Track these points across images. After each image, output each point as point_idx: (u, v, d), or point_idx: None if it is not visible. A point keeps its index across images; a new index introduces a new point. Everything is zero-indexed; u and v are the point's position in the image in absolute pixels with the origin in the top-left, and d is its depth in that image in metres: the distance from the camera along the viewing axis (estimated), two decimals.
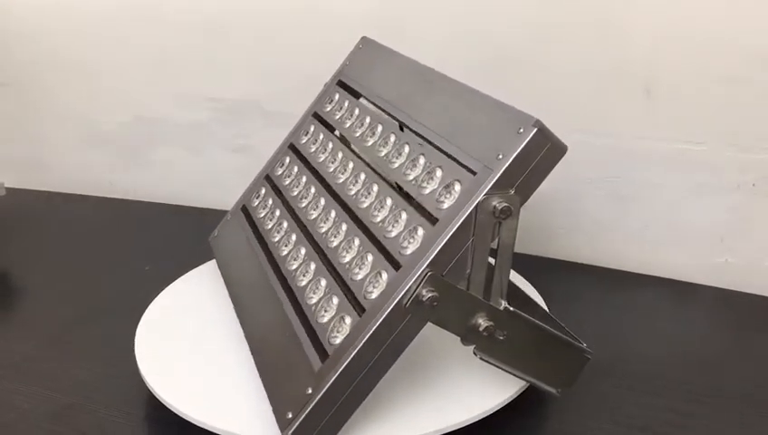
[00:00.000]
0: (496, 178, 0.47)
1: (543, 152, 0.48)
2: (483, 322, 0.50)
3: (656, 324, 0.73)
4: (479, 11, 0.81)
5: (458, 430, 0.53)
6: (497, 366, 0.52)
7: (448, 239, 0.48)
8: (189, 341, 0.63)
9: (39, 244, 0.92)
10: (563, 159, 0.81)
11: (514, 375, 0.54)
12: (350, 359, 0.48)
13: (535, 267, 0.75)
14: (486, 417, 0.54)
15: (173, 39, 0.97)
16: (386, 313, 0.48)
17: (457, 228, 0.48)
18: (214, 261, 0.77)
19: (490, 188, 0.47)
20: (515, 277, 0.73)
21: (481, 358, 0.51)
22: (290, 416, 0.50)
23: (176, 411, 0.55)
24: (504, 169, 0.47)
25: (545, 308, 0.66)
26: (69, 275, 0.83)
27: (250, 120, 0.97)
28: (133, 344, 0.63)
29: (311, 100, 0.93)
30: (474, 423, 0.54)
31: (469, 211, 0.48)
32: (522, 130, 0.47)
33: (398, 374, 0.54)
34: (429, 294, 0.48)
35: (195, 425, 0.54)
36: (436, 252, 0.48)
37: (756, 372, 0.65)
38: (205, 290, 0.71)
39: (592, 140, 0.81)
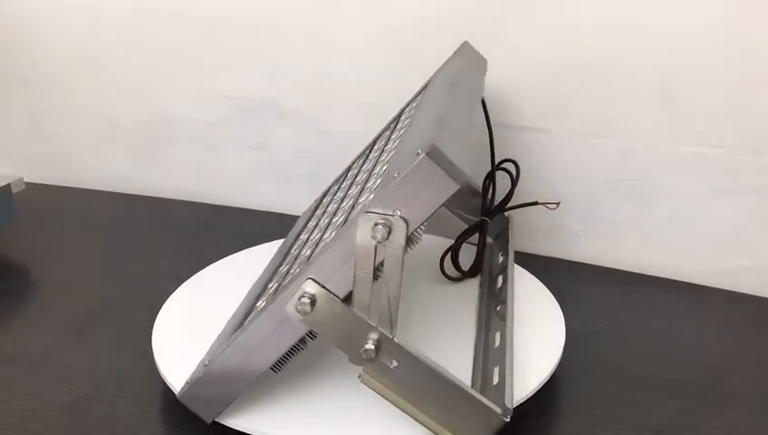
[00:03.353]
0: (380, 198, 0.46)
1: (434, 180, 0.44)
2: (367, 345, 0.48)
3: (669, 327, 0.73)
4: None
5: None
6: (384, 397, 0.50)
7: (328, 252, 0.48)
8: (205, 336, 0.64)
9: (58, 238, 0.93)
10: (579, 162, 0.82)
11: (407, 413, 0.50)
12: (230, 346, 0.52)
13: (549, 269, 0.75)
14: None
15: (191, 37, 0.98)
16: (267, 310, 0.51)
17: (337, 242, 0.48)
18: (229, 257, 0.78)
19: (371, 208, 0.46)
20: (529, 279, 0.73)
21: (363, 382, 0.50)
22: (186, 381, 0.56)
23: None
24: (387, 190, 0.46)
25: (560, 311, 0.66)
26: (86, 269, 0.84)
27: (267, 118, 0.98)
28: (150, 339, 0.64)
29: (326, 98, 0.94)
30: None
31: (351, 227, 0.47)
32: (419, 153, 0.45)
33: (445, 360, 0.55)
34: (305, 300, 0.48)
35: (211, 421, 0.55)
36: (316, 262, 0.49)
37: None
38: (220, 286, 0.72)
39: (609, 143, 0.81)
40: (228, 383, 0.53)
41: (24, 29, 1.07)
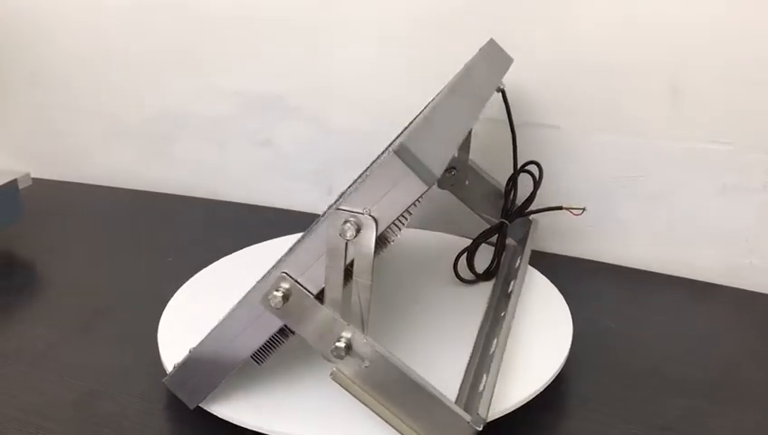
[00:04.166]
0: (350, 195, 0.46)
1: (402, 179, 0.44)
2: (337, 343, 0.48)
3: (678, 325, 0.72)
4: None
5: None
6: (355, 397, 0.49)
7: (302, 247, 0.48)
8: None
9: (64, 234, 0.93)
10: (588, 158, 0.82)
11: (377, 414, 0.50)
12: (210, 334, 0.53)
13: (558, 266, 0.75)
14: (507, 414, 0.54)
15: (197, 33, 0.98)
16: (243, 301, 0.51)
17: (311, 238, 0.48)
18: (235, 253, 0.78)
19: (341, 204, 0.46)
20: (537, 276, 0.73)
21: (334, 380, 0.49)
22: (171, 368, 0.56)
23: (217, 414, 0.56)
24: (357, 187, 0.45)
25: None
26: (92, 265, 0.84)
27: (272, 114, 0.97)
28: (156, 334, 0.64)
29: (332, 95, 0.94)
30: (492, 421, 0.54)
31: (322, 223, 0.47)
32: (390, 152, 0.44)
33: (438, 365, 0.55)
34: (278, 294, 0.48)
35: (216, 416, 0.55)
36: (291, 256, 0.49)
37: None
38: (226, 282, 0.72)
39: (618, 140, 0.81)
40: (210, 371, 0.54)
41: (29, 26, 1.07)
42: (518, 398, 0.55)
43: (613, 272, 0.83)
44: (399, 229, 0.48)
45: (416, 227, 0.87)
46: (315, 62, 0.93)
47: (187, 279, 0.73)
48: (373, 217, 0.45)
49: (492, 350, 0.57)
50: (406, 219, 0.50)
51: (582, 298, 0.71)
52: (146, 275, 0.81)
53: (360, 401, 0.49)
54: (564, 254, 0.86)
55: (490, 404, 0.50)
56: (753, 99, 0.74)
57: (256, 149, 1.00)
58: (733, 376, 0.64)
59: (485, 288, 0.72)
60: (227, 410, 0.55)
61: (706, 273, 0.80)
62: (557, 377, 0.59)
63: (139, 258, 0.86)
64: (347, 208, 0.45)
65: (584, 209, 0.74)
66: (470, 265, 0.73)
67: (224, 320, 0.53)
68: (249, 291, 0.51)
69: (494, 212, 0.77)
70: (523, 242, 0.77)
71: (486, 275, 0.73)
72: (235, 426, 0.54)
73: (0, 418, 0.58)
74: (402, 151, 0.43)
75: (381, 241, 0.48)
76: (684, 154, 0.78)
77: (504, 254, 0.75)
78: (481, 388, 0.52)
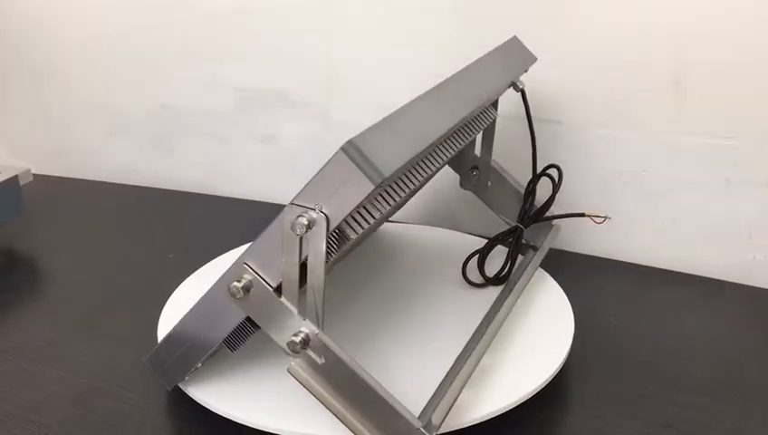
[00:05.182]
0: (303, 189, 0.46)
1: (351, 177, 0.44)
2: (293, 337, 0.48)
3: (682, 321, 0.72)
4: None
5: (480, 423, 0.53)
6: (311, 392, 0.49)
7: (263, 240, 0.48)
8: None
9: (65, 230, 0.93)
10: (591, 153, 0.81)
11: (331, 411, 0.49)
12: (184, 318, 0.54)
13: (560, 262, 0.74)
14: (508, 410, 0.54)
15: (200, 28, 0.97)
16: (211, 289, 0.52)
17: (271, 231, 0.48)
18: (236, 249, 0.78)
19: (296, 200, 0.46)
20: (539, 272, 0.72)
21: (290, 373, 0.49)
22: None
23: (196, 399, 0.56)
24: (309, 182, 0.45)
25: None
26: (94, 261, 0.84)
27: (276, 110, 0.97)
28: (156, 331, 0.64)
29: (335, 90, 0.94)
30: (494, 417, 0.53)
31: (278, 217, 0.47)
32: (339, 148, 0.44)
33: (421, 369, 0.54)
34: (238, 284, 0.49)
35: (215, 413, 0.54)
36: (252, 248, 0.49)
37: None
38: None
39: (620, 134, 0.80)
40: (185, 354, 0.54)
41: (30, 22, 1.07)
42: (520, 394, 0.55)
43: (616, 268, 0.82)
44: (362, 226, 0.48)
45: (421, 223, 0.87)
46: (318, 57, 0.92)
47: (188, 275, 0.73)
48: (324, 214, 0.45)
49: (469, 353, 0.56)
50: (373, 217, 0.49)
51: (585, 294, 0.71)
52: (146, 272, 0.81)
53: (315, 397, 0.49)
54: (566, 249, 0.85)
55: (449, 411, 0.50)
56: (757, 93, 0.74)
57: (258, 144, 1.00)
58: (735, 373, 0.63)
59: (494, 293, 0.69)
60: (202, 394, 0.56)
61: (710, 269, 0.80)
62: (559, 373, 0.58)
63: (140, 255, 0.86)
64: (299, 203, 0.46)
65: (607, 218, 0.70)
66: (481, 269, 0.71)
67: (198, 303, 0.53)
68: (221, 276, 0.51)
69: (514, 215, 0.75)
70: (539, 246, 0.74)
71: (497, 280, 0.71)
72: (234, 423, 0.54)
73: (1, 414, 0.58)
74: (350, 148, 0.43)
75: (341, 237, 0.48)
76: (687, 149, 0.78)
77: (518, 259, 0.73)
78: (446, 394, 0.51)
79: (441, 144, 0.58)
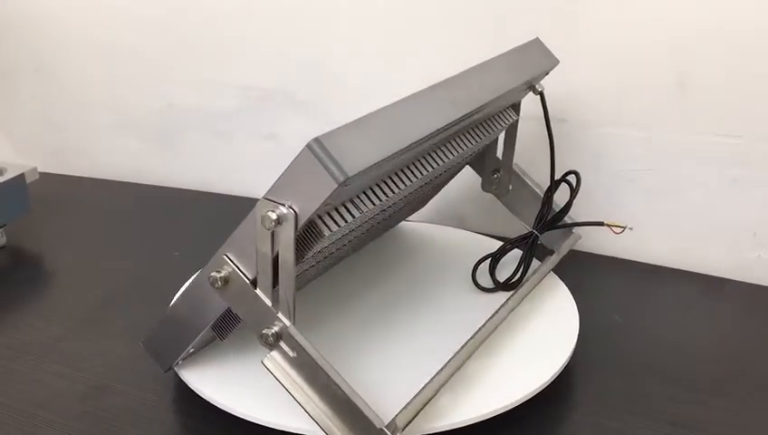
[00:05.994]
0: (273, 185, 0.46)
1: (316, 174, 0.44)
2: (267, 329, 0.49)
3: (686, 319, 0.72)
4: None
5: (483, 421, 0.53)
6: (282, 385, 0.49)
7: (240, 232, 0.49)
8: None
9: (71, 228, 0.93)
10: (596, 152, 0.81)
11: (300, 406, 0.49)
12: (175, 301, 0.57)
13: (564, 260, 0.74)
14: (511, 408, 0.54)
15: (204, 26, 0.97)
16: (196, 277, 0.53)
17: (243, 224, 0.49)
18: None
19: (267, 194, 0.47)
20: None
21: (264, 365, 0.49)
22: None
23: (202, 395, 0.56)
24: (279, 178, 0.46)
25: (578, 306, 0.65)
26: (99, 259, 0.84)
27: (280, 108, 0.97)
28: None
29: (339, 90, 0.93)
30: (498, 414, 0.54)
31: (252, 211, 0.48)
32: (306, 145, 0.45)
33: (425, 366, 0.54)
34: (217, 275, 0.50)
35: (221, 409, 0.55)
36: (231, 239, 0.50)
37: None
38: None
39: (625, 133, 0.80)
40: (177, 338, 0.56)
41: (35, 21, 1.07)
42: (525, 391, 0.55)
43: (620, 266, 0.82)
44: (338, 224, 0.48)
45: (428, 222, 0.87)
46: (321, 56, 0.92)
47: (193, 273, 0.73)
48: (294, 210, 0.45)
49: (453, 355, 0.56)
50: (351, 215, 0.49)
51: (589, 292, 0.71)
52: (152, 269, 0.81)
53: (286, 389, 0.49)
54: (571, 247, 0.85)
55: (417, 413, 0.50)
56: (762, 92, 0.74)
57: (262, 143, 1.00)
58: (740, 371, 0.63)
59: (504, 296, 0.67)
60: (193, 377, 0.57)
61: (714, 267, 0.80)
62: (563, 370, 0.58)
63: (146, 252, 0.86)
64: (270, 198, 0.46)
65: (626, 228, 0.68)
66: (492, 274, 0.71)
67: (186, 289, 0.55)
68: (206, 266, 0.52)
69: (533, 219, 0.73)
70: (556, 250, 0.72)
71: (507, 286, 0.69)
72: (239, 419, 0.54)
73: (8, 411, 0.58)
74: (315, 146, 0.44)
75: (314, 233, 0.48)
76: (692, 147, 0.78)
77: (531, 265, 0.71)
78: (421, 395, 0.51)
79: (441, 145, 0.58)
